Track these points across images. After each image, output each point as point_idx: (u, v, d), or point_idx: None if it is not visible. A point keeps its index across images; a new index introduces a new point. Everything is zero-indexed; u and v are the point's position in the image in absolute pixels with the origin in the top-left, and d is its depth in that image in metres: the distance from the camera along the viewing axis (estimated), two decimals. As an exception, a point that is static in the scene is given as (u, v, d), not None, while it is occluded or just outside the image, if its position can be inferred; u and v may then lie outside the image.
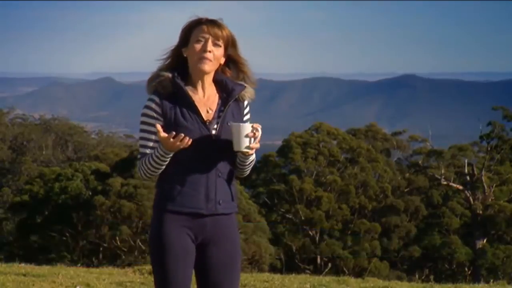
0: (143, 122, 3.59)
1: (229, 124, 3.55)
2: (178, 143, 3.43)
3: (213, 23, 3.57)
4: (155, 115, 3.56)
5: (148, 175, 3.56)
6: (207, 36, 3.55)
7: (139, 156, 3.61)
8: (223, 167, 3.59)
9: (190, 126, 3.52)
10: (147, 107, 3.59)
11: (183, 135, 3.43)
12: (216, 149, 3.56)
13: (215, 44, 3.56)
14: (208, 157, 3.54)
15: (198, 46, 3.55)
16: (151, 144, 3.56)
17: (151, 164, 3.52)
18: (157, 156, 3.50)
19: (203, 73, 3.58)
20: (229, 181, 3.61)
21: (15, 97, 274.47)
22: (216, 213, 3.57)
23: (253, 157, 3.63)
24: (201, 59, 3.55)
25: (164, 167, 3.54)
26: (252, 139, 3.51)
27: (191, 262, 3.58)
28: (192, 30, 3.58)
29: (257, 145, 3.53)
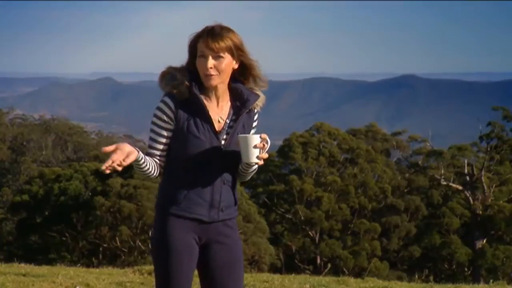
0: (153, 123, 3.57)
1: (237, 134, 3.56)
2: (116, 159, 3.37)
3: (212, 35, 3.49)
4: (166, 119, 3.54)
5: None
6: (206, 51, 3.49)
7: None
8: (229, 175, 3.61)
9: (202, 137, 3.52)
10: (160, 109, 3.55)
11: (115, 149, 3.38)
12: (224, 159, 3.56)
13: (217, 57, 3.50)
14: (215, 166, 3.55)
15: (201, 62, 3.52)
16: (157, 145, 3.57)
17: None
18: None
19: (210, 87, 3.56)
20: (233, 187, 3.64)
21: (15, 97, 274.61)
22: (217, 220, 3.59)
23: (256, 165, 3.63)
24: (206, 76, 3.52)
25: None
26: (261, 149, 3.51)
27: (194, 263, 3.59)
28: (196, 45, 3.54)
29: (266, 155, 3.53)
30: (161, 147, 3.57)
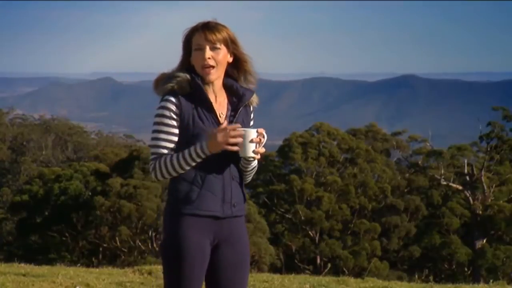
0: (159, 123, 3.54)
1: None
2: (231, 139, 3.42)
3: (208, 27, 3.55)
4: (173, 115, 3.53)
5: (166, 175, 3.52)
6: (203, 43, 3.53)
7: (153, 156, 3.55)
8: (236, 170, 3.61)
9: (207, 128, 3.53)
10: (163, 107, 3.54)
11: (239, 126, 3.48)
12: (230, 153, 3.55)
13: (213, 49, 3.54)
14: (223, 160, 3.54)
15: (197, 55, 3.55)
16: (167, 144, 3.53)
17: (179, 165, 3.48)
18: (190, 157, 3.47)
19: (209, 81, 3.58)
20: (241, 184, 3.64)
21: (15, 97, 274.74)
22: (231, 215, 3.59)
23: (255, 163, 3.64)
24: (203, 68, 3.54)
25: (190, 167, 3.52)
26: (258, 144, 3.51)
27: (205, 267, 3.58)
28: (191, 40, 3.57)
29: (263, 150, 3.54)
30: (173, 145, 3.54)
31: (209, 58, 3.53)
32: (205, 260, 3.56)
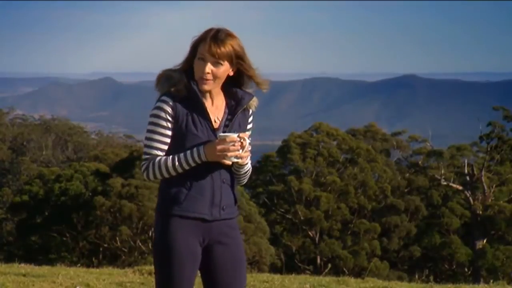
0: (153, 123, 3.56)
1: (233, 132, 3.56)
2: (228, 153, 3.46)
3: (216, 40, 3.51)
4: (168, 117, 3.54)
5: (159, 176, 3.55)
6: (207, 55, 3.51)
7: (146, 156, 3.57)
8: (227, 174, 3.61)
9: (200, 134, 3.54)
10: (159, 108, 3.55)
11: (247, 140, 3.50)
12: None
13: (215, 63, 3.52)
14: (214, 164, 3.54)
15: (199, 65, 3.54)
16: (160, 145, 3.56)
17: (173, 167, 3.51)
18: (186, 161, 3.50)
19: (203, 91, 3.57)
20: (232, 187, 3.65)
21: (15, 97, 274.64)
22: (219, 218, 3.59)
23: (248, 166, 3.65)
24: (201, 79, 3.54)
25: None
26: (241, 149, 3.51)
27: (196, 267, 3.59)
28: (198, 46, 3.56)
29: (246, 154, 3.54)
30: (166, 147, 3.56)
31: (208, 73, 3.52)
32: (196, 261, 3.57)
